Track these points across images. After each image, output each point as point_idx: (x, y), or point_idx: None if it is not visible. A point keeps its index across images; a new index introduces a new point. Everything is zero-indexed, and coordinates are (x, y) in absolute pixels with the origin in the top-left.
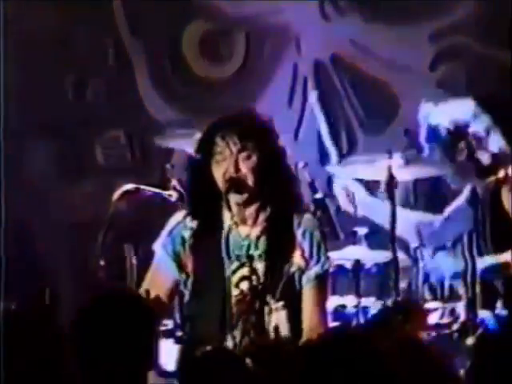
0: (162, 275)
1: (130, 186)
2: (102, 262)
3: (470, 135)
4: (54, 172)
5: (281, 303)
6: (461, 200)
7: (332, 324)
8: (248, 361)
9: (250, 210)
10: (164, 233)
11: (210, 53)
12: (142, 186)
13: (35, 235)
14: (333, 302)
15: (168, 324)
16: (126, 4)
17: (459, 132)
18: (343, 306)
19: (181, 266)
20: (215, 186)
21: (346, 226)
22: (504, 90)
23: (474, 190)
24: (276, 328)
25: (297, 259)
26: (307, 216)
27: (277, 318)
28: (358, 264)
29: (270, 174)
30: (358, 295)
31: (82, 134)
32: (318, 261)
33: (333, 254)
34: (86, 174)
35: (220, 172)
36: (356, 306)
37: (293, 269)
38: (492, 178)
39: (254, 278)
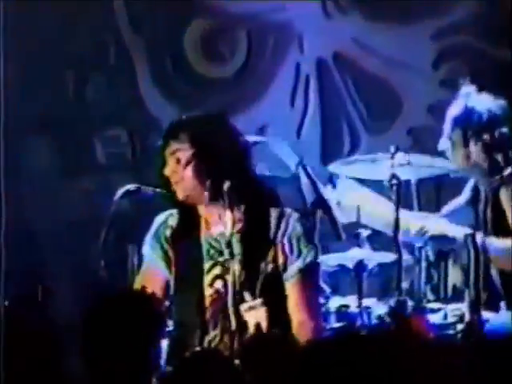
0: (153, 277)
1: (131, 186)
2: (102, 262)
3: (498, 132)
4: (53, 170)
5: (260, 300)
6: (460, 200)
7: (335, 324)
8: (237, 362)
9: (219, 210)
10: (149, 236)
11: (211, 51)
12: (143, 186)
13: (34, 233)
14: (336, 302)
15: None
16: (127, 2)
17: (491, 124)
18: (346, 306)
19: (169, 265)
20: None
21: (348, 227)
22: (506, 88)
23: (475, 187)
24: (257, 325)
25: (276, 256)
26: (284, 210)
27: (256, 316)
28: (360, 265)
29: (224, 172)
30: (361, 296)
31: (83, 131)
32: (298, 255)
33: (335, 256)
34: (86, 172)
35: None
36: (359, 306)
37: (270, 265)
38: (497, 177)
39: (227, 276)
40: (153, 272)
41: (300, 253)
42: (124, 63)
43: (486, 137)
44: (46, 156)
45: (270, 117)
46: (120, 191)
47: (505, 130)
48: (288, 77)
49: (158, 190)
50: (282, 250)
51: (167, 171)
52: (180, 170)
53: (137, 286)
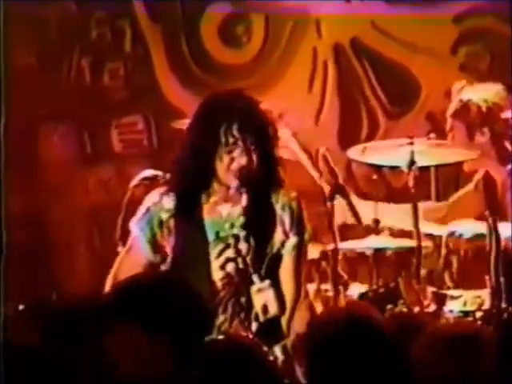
0: (135, 255)
1: (147, 173)
2: (119, 248)
3: (501, 120)
4: (70, 157)
5: (267, 282)
6: (469, 188)
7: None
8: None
9: (233, 190)
10: (140, 212)
11: (228, 37)
12: (160, 173)
13: (51, 220)
14: (356, 289)
15: None
16: None
17: (490, 113)
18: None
19: (156, 248)
20: (213, 173)
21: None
22: None
23: (486, 173)
24: (264, 307)
25: (279, 235)
26: (283, 191)
27: (264, 298)
28: (379, 252)
29: (264, 158)
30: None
31: (99, 119)
32: (296, 232)
33: (355, 243)
34: (102, 160)
35: (225, 161)
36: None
37: (276, 246)
38: (510, 166)
39: (239, 259)
40: (136, 251)
41: (298, 230)
42: (141, 49)
43: (489, 127)
44: (62, 143)
45: (288, 102)
46: (136, 178)
47: (507, 115)
48: (306, 62)
49: None
50: (282, 229)
51: (229, 157)
52: (254, 157)
53: (117, 261)
